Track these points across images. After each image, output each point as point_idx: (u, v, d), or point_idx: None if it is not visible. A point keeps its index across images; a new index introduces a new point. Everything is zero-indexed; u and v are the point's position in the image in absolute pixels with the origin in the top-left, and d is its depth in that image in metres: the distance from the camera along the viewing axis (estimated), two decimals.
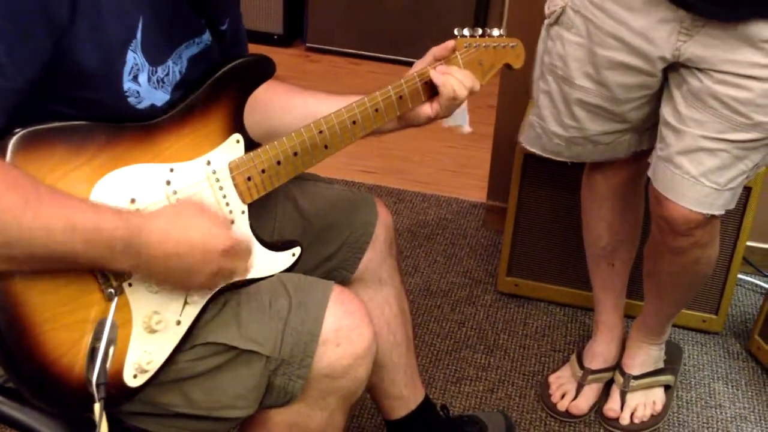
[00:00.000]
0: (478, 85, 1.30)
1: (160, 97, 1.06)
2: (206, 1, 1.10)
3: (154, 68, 1.04)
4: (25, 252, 0.89)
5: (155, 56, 1.03)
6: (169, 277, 1.01)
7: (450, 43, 1.31)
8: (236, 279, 1.08)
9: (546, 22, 1.60)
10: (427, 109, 1.28)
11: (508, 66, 1.41)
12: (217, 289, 1.09)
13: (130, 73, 1.01)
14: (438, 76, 1.26)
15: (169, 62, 1.06)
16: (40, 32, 0.91)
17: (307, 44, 3.56)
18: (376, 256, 1.42)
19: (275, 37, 3.53)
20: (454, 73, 1.26)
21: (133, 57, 1.00)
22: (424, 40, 3.68)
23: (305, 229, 1.35)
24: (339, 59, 3.52)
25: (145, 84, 1.03)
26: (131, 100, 1.02)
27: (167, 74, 1.06)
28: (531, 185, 2.05)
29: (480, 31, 1.35)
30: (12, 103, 0.92)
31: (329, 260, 1.38)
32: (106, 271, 0.98)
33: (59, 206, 0.91)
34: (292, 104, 1.26)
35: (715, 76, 1.42)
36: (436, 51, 1.30)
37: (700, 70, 1.43)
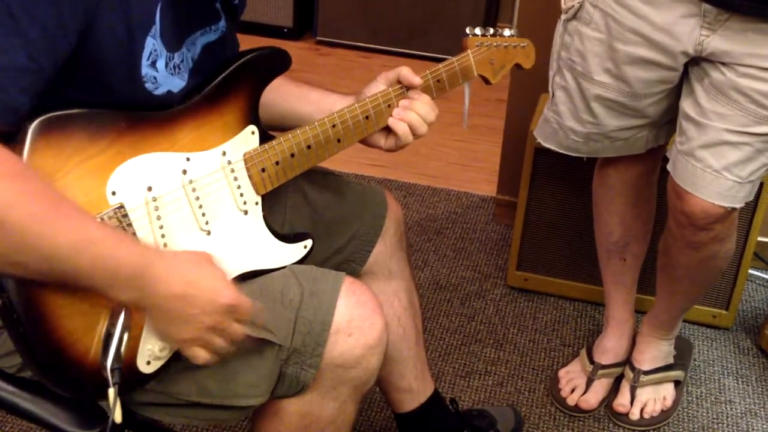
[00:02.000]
0: (436, 110, 1.26)
1: (177, 84, 1.06)
2: None
3: (171, 54, 1.04)
4: (29, 261, 0.88)
5: (172, 42, 1.04)
6: (168, 317, 0.97)
7: (415, 80, 1.25)
8: (228, 341, 1.02)
9: (563, 17, 1.59)
10: (381, 141, 1.26)
11: (518, 66, 1.41)
12: (204, 344, 1.01)
13: (148, 59, 1.01)
14: (396, 123, 1.23)
15: (183, 49, 1.07)
16: (70, 19, 0.91)
17: (318, 38, 3.56)
18: (386, 249, 1.42)
19: (285, 30, 3.53)
20: (413, 119, 1.23)
21: (152, 43, 1.01)
22: (435, 33, 3.71)
23: (315, 221, 1.35)
24: (349, 53, 3.52)
25: (162, 70, 1.03)
26: (148, 85, 1.02)
27: (182, 61, 1.07)
28: (541, 179, 2.05)
29: (491, 31, 1.35)
30: (41, 87, 0.93)
31: (339, 253, 1.38)
32: (103, 296, 0.95)
33: (74, 226, 0.90)
34: (306, 94, 1.27)
35: (739, 69, 1.41)
36: (390, 76, 1.25)
37: (723, 63, 1.43)
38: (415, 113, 1.23)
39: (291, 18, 3.53)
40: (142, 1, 0.98)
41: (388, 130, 1.25)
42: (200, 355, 1.01)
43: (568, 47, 1.59)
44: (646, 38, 1.47)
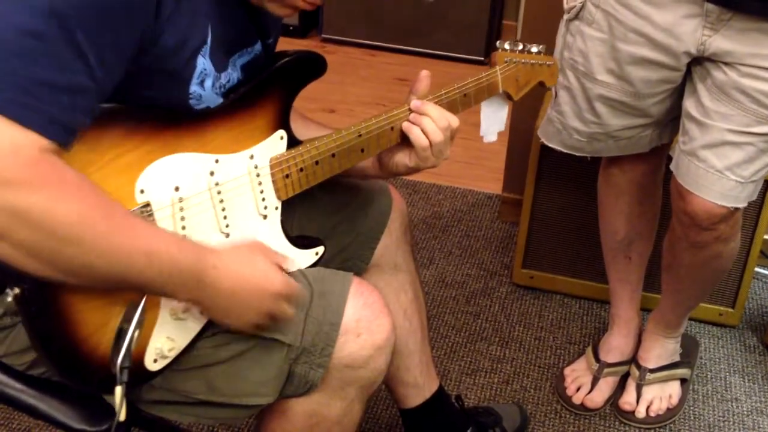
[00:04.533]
0: (456, 121, 1.22)
1: (216, 101, 1.07)
2: (261, 15, 1.11)
3: (218, 75, 1.05)
4: (102, 275, 0.91)
5: (219, 63, 1.05)
6: (226, 311, 1.03)
7: (423, 81, 1.23)
8: (280, 321, 1.08)
9: (565, 17, 1.59)
10: (405, 158, 1.23)
11: (541, 84, 1.42)
12: (262, 331, 1.08)
13: (198, 78, 1.02)
14: (408, 128, 1.20)
15: (229, 69, 1.08)
16: (126, 39, 0.92)
17: (323, 35, 3.56)
18: (391, 242, 1.42)
19: (290, 28, 3.54)
20: (428, 114, 1.20)
21: (203, 62, 1.02)
22: (440, 31, 3.71)
23: (322, 221, 1.35)
24: (354, 50, 3.52)
25: (209, 89, 1.04)
26: (192, 102, 1.04)
27: (228, 80, 1.08)
28: (547, 177, 2.04)
29: (520, 46, 1.35)
30: (97, 104, 0.93)
31: (344, 251, 1.38)
32: (168, 297, 1.00)
33: (143, 235, 0.92)
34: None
35: (741, 69, 1.41)
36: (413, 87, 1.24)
37: (725, 63, 1.43)
38: (426, 117, 1.20)
39: (296, 16, 3.54)
40: (195, 21, 0.99)
41: (407, 147, 1.22)
42: (254, 332, 1.08)
43: (570, 47, 1.58)
44: (648, 38, 1.46)
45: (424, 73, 1.24)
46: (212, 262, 0.98)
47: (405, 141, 1.22)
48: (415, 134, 1.20)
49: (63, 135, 0.88)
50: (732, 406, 1.89)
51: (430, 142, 1.20)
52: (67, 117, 0.88)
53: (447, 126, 1.21)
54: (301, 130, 1.22)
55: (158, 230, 0.97)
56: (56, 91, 0.86)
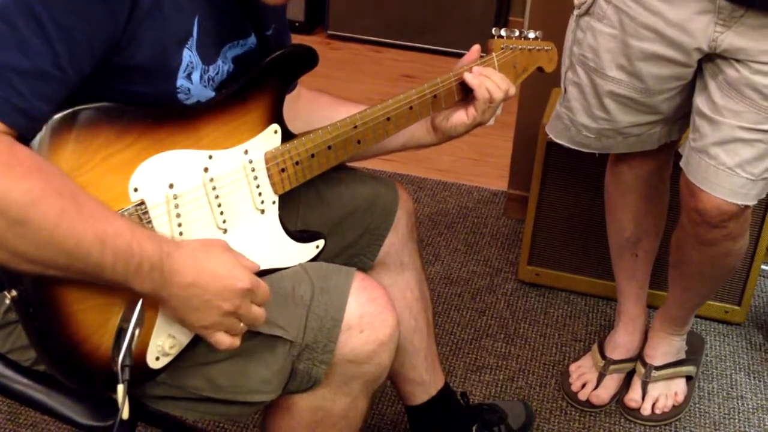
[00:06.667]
0: (513, 88, 1.30)
1: (207, 95, 1.07)
2: (254, 6, 1.11)
3: (206, 67, 1.05)
4: (51, 258, 0.89)
5: (207, 55, 1.05)
6: (186, 305, 0.98)
7: (474, 51, 1.31)
8: (248, 324, 1.04)
9: (575, 12, 1.59)
10: (463, 116, 1.29)
11: (540, 69, 1.42)
12: (226, 329, 1.02)
13: (185, 71, 1.02)
14: (472, 78, 1.27)
15: (219, 61, 1.08)
16: (100, 36, 0.92)
17: (329, 31, 3.56)
18: (398, 240, 1.42)
19: (296, 24, 3.53)
20: (491, 75, 1.27)
21: (189, 55, 1.02)
22: (446, 27, 3.70)
23: (327, 217, 1.35)
24: (360, 46, 3.51)
25: (197, 82, 1.04)
26: (180, 96, 1.03)
27: (218, 73, 1.08)
28: (553, 174, 2.04)
29: (516, 33, 1.36)
30: (65, 95, 0.92)
31: (350, 247, 1.38)
32: (125, 289, 0.95)
33: (95, 220, 0.90)
34: (337, 114, 1.26)
35: (753, 66, 1.41)
36: (464, 60, 1.31)
37: (737, 60, 1.42)
38: (488, 78, 1.26)
39: (302, 12, 3.53)
40: (178, 13, 0.99)
41: (463, 105, 1.28)
42: (223, 340, 1.02)
43: (580, 43, 1.58)
44: (659, 34, 1.46)
45: (476, 48, 1.32)
46: (168, 249, 0.95)
47: (460, 102, 1.29)
48: (479, 84, 1.26)
49: (21, 121, 0.88)
50: (737, 403, 1.89)
51: (491, 97, 1.26)
52: (28, 103, 0.88)
53: (507, 88, 1.28)
54: (327, 112, 1.25)
55: (114, 216, 0.93)
56: (17, 75, 0.86)
